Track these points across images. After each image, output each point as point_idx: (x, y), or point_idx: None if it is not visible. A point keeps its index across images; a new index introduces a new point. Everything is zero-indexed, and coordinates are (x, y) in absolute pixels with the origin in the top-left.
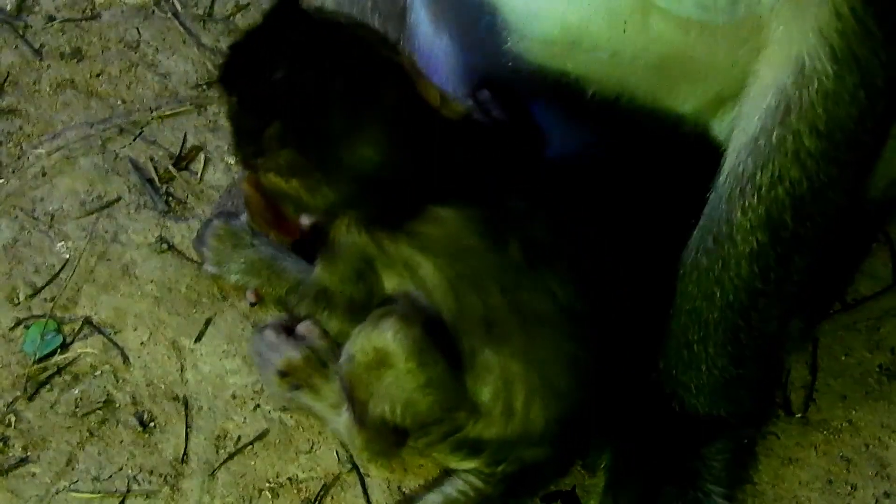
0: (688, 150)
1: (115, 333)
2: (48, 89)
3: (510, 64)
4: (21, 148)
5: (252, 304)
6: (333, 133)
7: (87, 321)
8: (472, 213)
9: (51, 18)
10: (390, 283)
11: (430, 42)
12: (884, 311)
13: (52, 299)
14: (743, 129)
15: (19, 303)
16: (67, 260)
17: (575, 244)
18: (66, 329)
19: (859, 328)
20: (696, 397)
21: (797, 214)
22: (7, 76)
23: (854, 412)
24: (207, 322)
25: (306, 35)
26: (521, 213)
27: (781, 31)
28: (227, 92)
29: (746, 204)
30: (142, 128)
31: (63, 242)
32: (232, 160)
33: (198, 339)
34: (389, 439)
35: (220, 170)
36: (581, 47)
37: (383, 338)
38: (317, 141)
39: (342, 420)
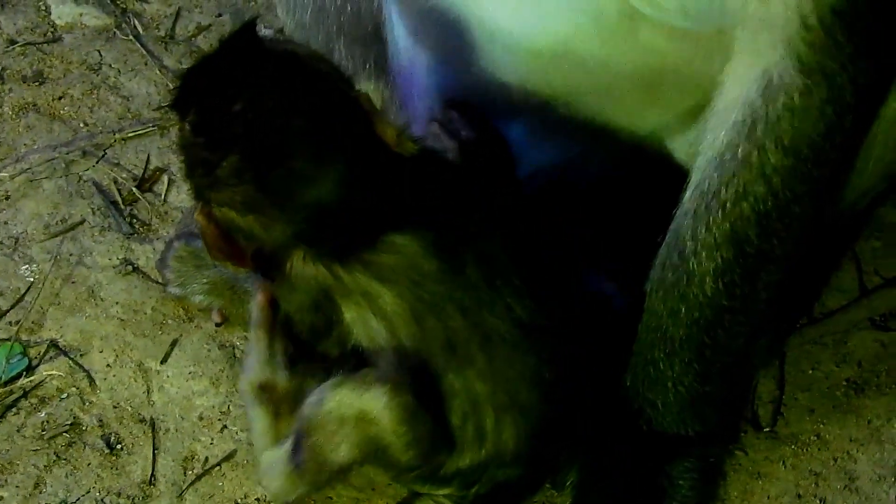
0: (663, 164)
1: (81, 356)
2: (10, 113)
3: (492, 78)
4: None
5: (217, 325)
6: (294, 171)
7: (53, 344)
8: (428, 238)
9: (12, 42)
10: (349, 312)
11: (410, 57)
12: (851, 325)
13: (18, 322)
14: (709, 143)
15: None
16: (32, 283)
17: (534, 261)
18: (32, 352)
19: (826, 342)
20: (663, 415)
21: (763, 231)
22: None
23: (822, 426)
24: (173, 343)
25: (266, 66)
26: (478, 234)
27: (749, 42)
28: (181, 118)
29: (711, 220)
30: (105, 150)
31: (28, 265)
32: None
33: (164, 360)
34: (327, 480)
35: (184, 191)
36: (567, 59)
37: (375, 404)
38: (277, 178)
39: (275, 454)
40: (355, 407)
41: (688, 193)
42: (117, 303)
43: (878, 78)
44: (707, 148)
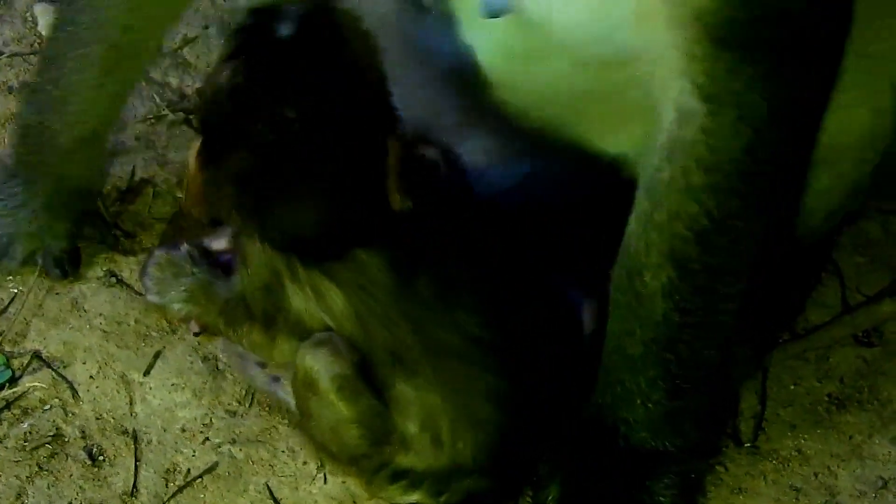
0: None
1: (65, 367)
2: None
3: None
4: None
5: (196, 335)
6: (287, 207)
7: (37, 355)
8: (386, 255)
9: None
10: (296, 302)
11: None
12: (833, 341)
13: (1, 334)
14: (643, 166)
15: None
16: (16, 294)
17: (496, 277)
18: (15, 363)
19: (809, 357)
20: (637, 431)
21: (705, 248)
22: None
23: (803, 441)
24: (156, 355)
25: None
26: (433, 251)
27: (656, 73)
28: (234, 55)
29: (650, 241)
30: None
31: (12, 277)
32: (181, 194)
33: (147, 372)
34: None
35: (169, 204)
36: (510, 79)
37: (313, 364)
38: (266, 202)
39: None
40: (303, 367)
41: (632, 215)
42: (101, 314)
43: (798, 91)
44: (643, 172)
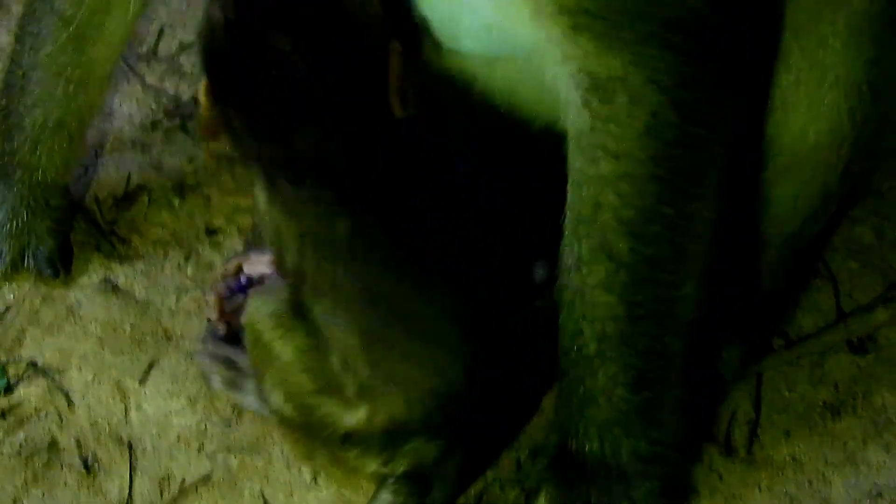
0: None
1: (60, 375)
2: None
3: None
4: None
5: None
6: (284, 120)
7: (32, 363)
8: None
9: None
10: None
11: None
12: (827, 347)
13: None
14: (569, 160)
15: None
16: (12, 302)
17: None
18: (11, 371)
19: (803, 364)
20: (609, 431)
21: (636, 238)
22: None
23: (798, 448)
24: (152, 363)
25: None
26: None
27: (554, 64)
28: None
29: (580, 234)
30: (86, 168)
31: (7, 284)
32: (177, 201)
33: (142, 379)
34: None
35: (165, 210)
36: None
37: (253, 309)
38: (264, 118)
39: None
40: (248, 327)
41: (566, 212)
42: (96, 321)
43: (681, 71)
44: (569, 165)
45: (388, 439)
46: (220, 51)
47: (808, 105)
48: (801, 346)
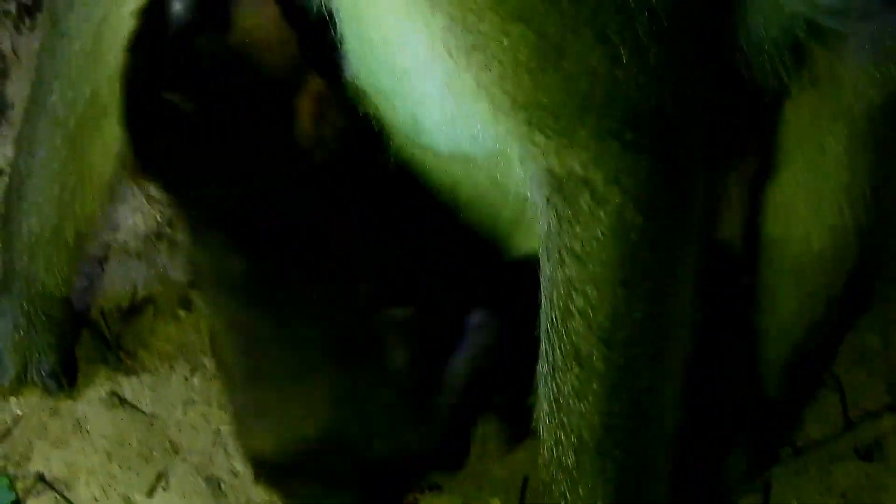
0: None
1: (68, 489)
2: None
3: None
4: None
5: None
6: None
7: (40, 477)
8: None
9: (1, 172)
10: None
11: None
12: (835, 456)
13: (5, 456)
14: (541, 263)
15: None
16: (20, 416)
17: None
18: (20, 485)
19: (810, 472)
20: None
21: (605, 343)
22: None
23: None
24: (159, 476)
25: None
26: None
27: (518, 165)
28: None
29: (552, 340)
30: (91, 280)
31: (15, 398)
32: (183, 313)
33: (149, 493)
34: None
35: (171, 322)
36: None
37: None
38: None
39: None
40: None
41: (540, 318)
42: (103, 435)
43: (643, 173)
44: (540, 270)
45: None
46: (131, 111)
47: (811, 211)
48: (808, 454)
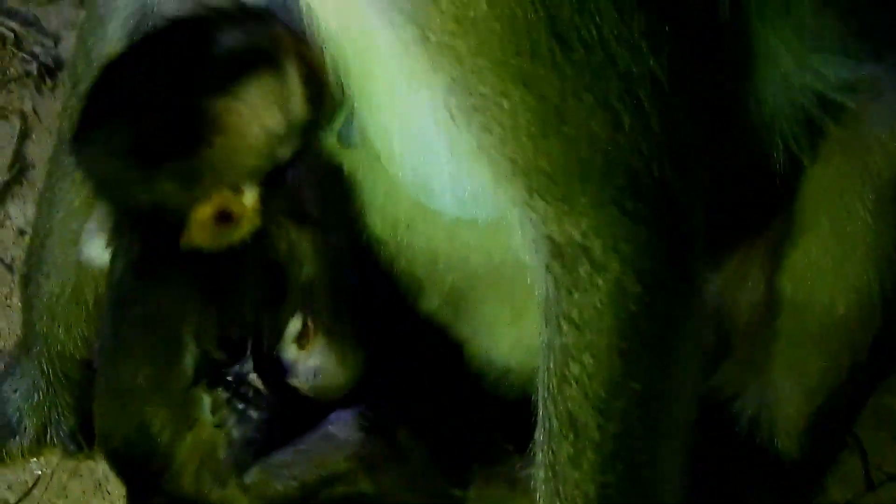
0: None
1: None
2: (20, 305)
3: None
4: None
5: None
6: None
7: None
8: None
9: (21, 233)
10: None
11: None
12: None
13: None
14: (539, 330)
15: None
16: (40, 476)
17: None
18: None
19: None
20: None
21: (601, 413)
22: None
23: None
24: None
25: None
26: None
27: (517, 231)
28: None
29: (548, 409)
30: None
31: (36, 458)
32: None
33: None
34: None
35: None
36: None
37: None
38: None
39: None
40: None
41: (538, 386)
42: (124, 496)
43: (643, 243)
44: (539, 337)
45: None
46: None
47: (836, 276)
48: None
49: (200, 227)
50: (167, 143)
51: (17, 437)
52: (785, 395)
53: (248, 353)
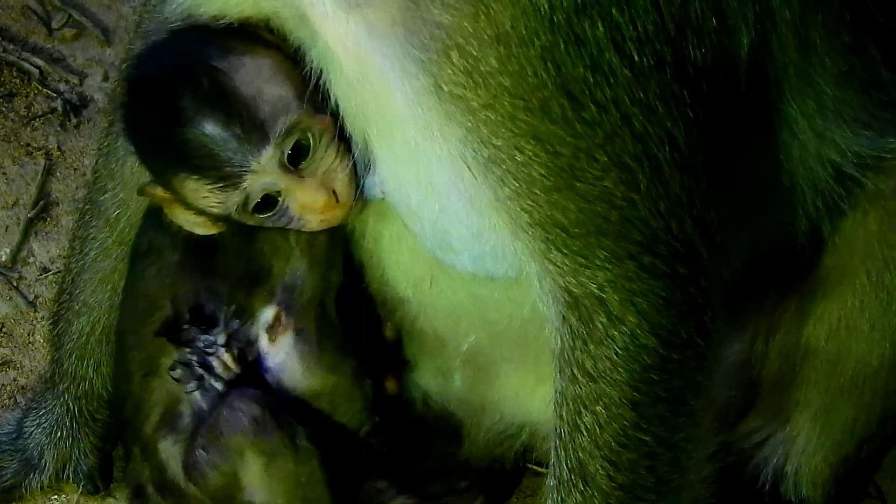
0: None
1: None
2: (42, 341)
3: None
4: (15, 400)
5: None
6: None
7: None
8: None
9: (45, 270)
10: None
11: None
12: None
13: None
14: (553, 380)
15: None
16: None
17: None
18: None
19: None
20: None
21: (610, 463)
22: (1, 327)
23: None
24: None
25: None
26: None
27: (534, 285)
28: None
29: (560, 455)
30: None
31: (57, 495)
32: None
33: None
34: None
35: None
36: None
37: None
38: None
39: None
40: None
41: (551, 435)
42: None
43: (669, 296)
44: (554, 386)
45: None
46: None
47: (872, 329)
48: None
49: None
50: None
51: (37, 473)
52: (812, 445)
53: (221, 326)
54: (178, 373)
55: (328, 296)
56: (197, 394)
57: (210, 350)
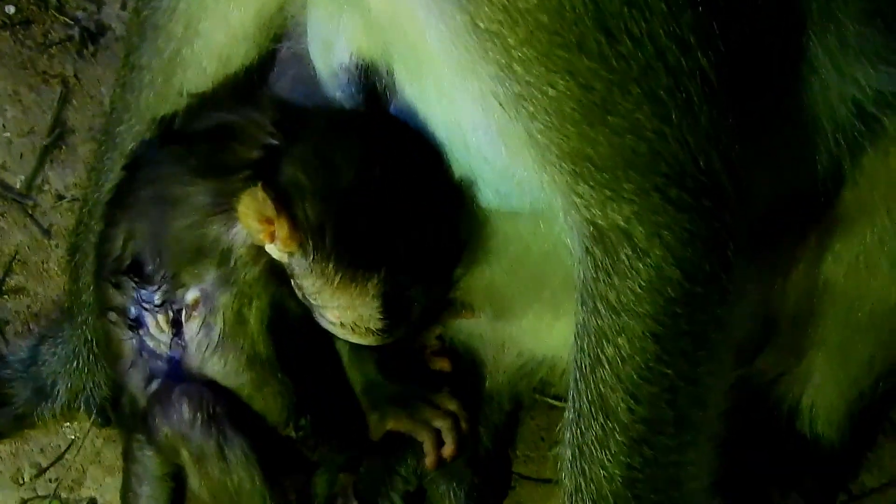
0: None
1: None
2: (56, 269)
3: None
4: (28, 328)
5: None
6: None
7: (92, 502)
8: None
9: (60, 197)
10: None
11: None
12: (890, 503)
13: (57, 480)
14: (575, 312)
15: (24, 483)
16: (73, 441)
17: None
18: None
19: None
20: None
21: (632, 396)
22: (15, 255)
23: None
24: None
25: None
26: None
27: (560, 216)
28: None
29: (580, 389)
30: None
31: (69, 423)
32: None
33: None
34: None
35: None
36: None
37: None
38: None
39: None
40: None
41: (571, 366)
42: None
43: (686, 227)
44: (575, 319)
45: None
46: None
47: (891, 266)
48: (863, 501)
49: None
50: None
51: (49, 402)
52: (829, 381)
53: (156, 286)
54: (112, 317)
55: (255, 312)
56: (135, 341)
57: (146, 306)
